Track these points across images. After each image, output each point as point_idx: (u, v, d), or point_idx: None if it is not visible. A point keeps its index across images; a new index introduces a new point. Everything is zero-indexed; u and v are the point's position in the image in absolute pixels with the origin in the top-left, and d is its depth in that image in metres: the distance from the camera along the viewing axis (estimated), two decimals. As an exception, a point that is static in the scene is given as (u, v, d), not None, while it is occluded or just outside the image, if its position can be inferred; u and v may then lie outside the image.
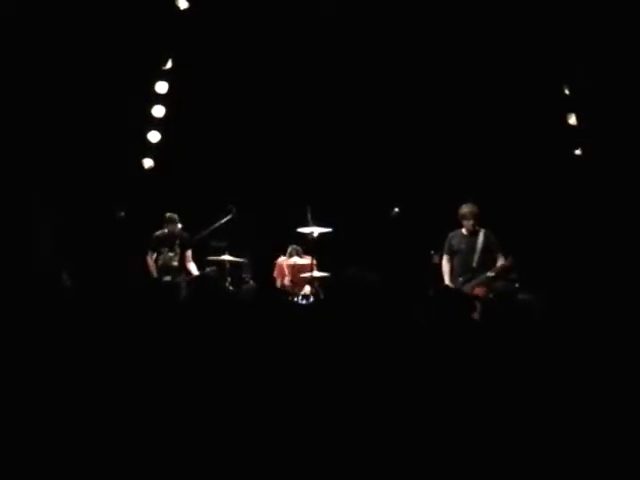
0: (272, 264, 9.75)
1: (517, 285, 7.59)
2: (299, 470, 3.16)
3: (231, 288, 8.83)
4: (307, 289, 9.25)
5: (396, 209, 9.12)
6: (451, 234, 8.32)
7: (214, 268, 8.89)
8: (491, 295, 7.54)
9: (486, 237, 8.14)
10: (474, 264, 8.06)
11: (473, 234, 8.17)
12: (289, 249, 9.52)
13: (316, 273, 9.05)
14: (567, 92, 9.83)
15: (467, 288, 7.90)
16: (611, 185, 9.28)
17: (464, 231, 8.22)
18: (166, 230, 9.12)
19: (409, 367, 3.69)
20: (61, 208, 8.94)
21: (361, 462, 3.19)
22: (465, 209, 8.17)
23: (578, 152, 9.82)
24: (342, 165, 9.93)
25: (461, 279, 8.09)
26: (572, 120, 9.82)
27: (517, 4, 9.35)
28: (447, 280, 8.20)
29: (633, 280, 8.21)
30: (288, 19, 9.60)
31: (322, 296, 8.78)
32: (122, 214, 9.46)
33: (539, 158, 9.65)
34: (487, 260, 8.09)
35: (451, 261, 8.27)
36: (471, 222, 8.14)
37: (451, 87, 9.71)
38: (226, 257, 8.97)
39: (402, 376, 3.60)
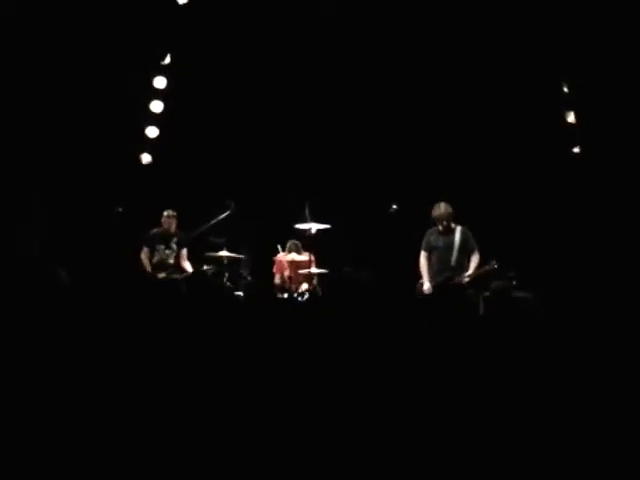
0: (271, 260, 9.73)
1: (514, 283, 7.59)
2: (294, 466, 3.17)
3: (229, 284, 8.83)
4: (305, 286, 9.25)
5: (394, 206, 9.12)
6: (429, 231, 8.26)
7: (212, 267, 8.87)
8: (488, 293, 7.55)
9: (463, 234, 8.07)
10: (452, 262, 8.00)
11: (449, 231, 8.10)
12: (288, 244, 9.52)
13: (314, 270, 9.05)
14: (566, 90, 9.84)
15: (447, 286, 7.90)
16: (609, 183, 9.28)
17: (441, 228, 8.15)
18: (163, 227, 9.12)
19: (405, 364, 3.69)
20: (59, 204, 8.94)
21: (358, 457, 3.19)
22: (437, 211, 8.09)
23: (576, 150, 9.83)
24: (341, 161, 9.92)
25: (440, 278, 8.02)
26: (571, 118, 9.83)
27: (516, 1, 9.35)
28: (426, 278, 8.11)
29: (629, 277, 8.22)
30: (286, 14, 9.58)
31: (320, 293, 8.79)
32: (120, 210, 9.46)
33: (538, 156, 9.65)
34: (465, 258, 8.05)
35: (429, 258, 8.20)
36: (444, 223, 8.08)
37: (450, 84, 9.71)
38: (224, 253, 8.95)
39: (397, 374, 3.60)
